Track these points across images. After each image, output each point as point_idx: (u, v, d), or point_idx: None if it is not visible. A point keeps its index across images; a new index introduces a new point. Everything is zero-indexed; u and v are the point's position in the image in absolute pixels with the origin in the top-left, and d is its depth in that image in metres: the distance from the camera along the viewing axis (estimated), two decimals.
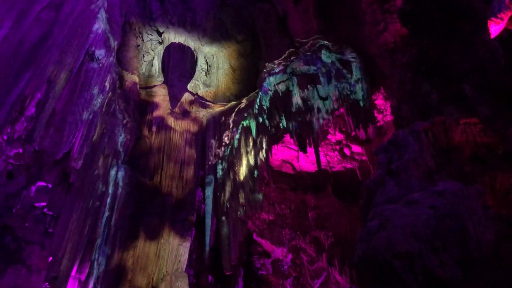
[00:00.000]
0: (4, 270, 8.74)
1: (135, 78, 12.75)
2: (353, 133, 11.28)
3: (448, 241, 4.32)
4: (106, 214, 10.32)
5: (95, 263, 9.78)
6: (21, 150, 8.72)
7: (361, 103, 10.37)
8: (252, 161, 11.80)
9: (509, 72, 5.34)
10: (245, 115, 12.26)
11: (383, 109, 10.78)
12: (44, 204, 9.28)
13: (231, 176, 12.03)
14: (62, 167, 9.44)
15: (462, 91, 6.31)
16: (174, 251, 10.92)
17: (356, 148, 12.00)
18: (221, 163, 12.34)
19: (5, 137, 8.35)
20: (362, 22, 9.64)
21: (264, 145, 11.65)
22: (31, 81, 7.54)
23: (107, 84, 10.32)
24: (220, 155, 12.46)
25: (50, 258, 9.09)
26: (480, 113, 5.68)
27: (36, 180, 9.18)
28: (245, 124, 12.20)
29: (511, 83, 5.46)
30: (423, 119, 6.25)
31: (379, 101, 10.71)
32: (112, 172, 10.72)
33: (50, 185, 9.34)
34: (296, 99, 11.01)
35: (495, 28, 4.36)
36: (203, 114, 13.42)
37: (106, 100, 10.56)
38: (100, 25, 9.71)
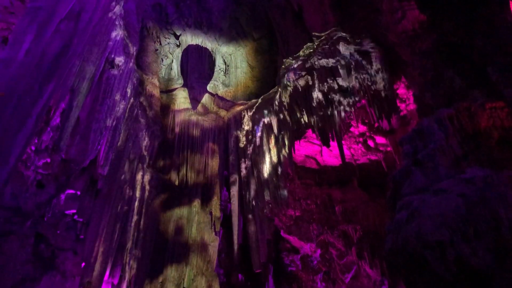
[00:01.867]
0: (40, 277, 8.98)
1: (155, 82, 12.87)
2: (376, 124, 11.16)
3: (479, 229, 4.23)
4: (135, 218, 10.46)
5: (127, 266, 9.93)
6: (49, 160, 8.94)
7: (383, 93, 10.23)
8: (275, 158, 11.79)
9: None
10: (266, 112, 12.25)
11: (406, 98, 10.62)
12: (74, 211, 9.50)
13: (255, 174, 12.04)
14: (89, 174, 9.63)
15: (486, 74, 6.15)
16: (203, 251, 11.00)
17: (380, 139, 11.86)
18: (245, 162, 12.37)
19: (33, 148, 8.56)
20: (379, 11, 9.51)
21: (286, 141, 11.62)
22: (54, 91, 7.68)
23: (128, 90, 10.46)
24: (243, 153, 12.48)
25: (83, 264, 9.29)
26: (507, 96, 5.53)
27: (65, 188, 9.40)
28: (266, 122, 12.19)
29: None
30: (447, 106, 6.12)
31: (401, 90, 10.55)
32: (138, 176, 10.86)
33: (78, 193, 9.55)
34: (316, 93, 10.95)
35: None
36: (224, 113, 13.47)
37: (128, 106, 10.70)
38: (118, 32, 9.84)
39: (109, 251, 9.52)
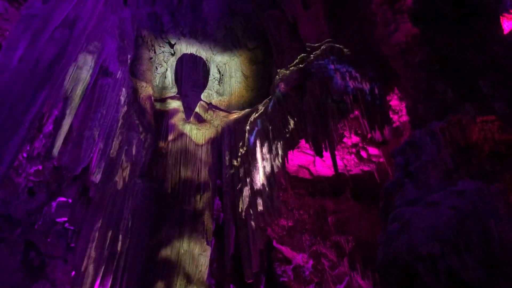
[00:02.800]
0: (29, 286, 8.89)
1: (150, 91, 12.87)
2: (369, 135, 11.20)
3: (470, 241, 4.25)
4: (127, 226, 10.39)
5: (118, 275, 9.85)
6: (40, 167, 8.89)
7: (376, 105, 10.29)
8: (268, 168, 11.78)
9: None
10: (259, 121, 12.27)
11: (399, 109, 10.68)
12: (65, 219, 9.44)
13: (248, 183, 12.03)
14: (82, 182, 9.59)
15: (478, 88, 6.22)
16: (195, 261, 10.94)
17: (373, 150, 11.90)
18: (238, 171, 12.36)
19: (24, 155, 8.52)
20: (373, 23, 9.60)
21: (279, 151, 11.62)
22: (47, 98, 7.67)
23: (122, 98, 10.45)
24: (236, 163, 12.48)
25: (73, 272, 9.21)
26: (498, 110, 5.59)
27: (56, 196, 9.35)
28: (259, 131, 12.21)
29: None
30: (440, 118, 6.16)
31: (394, 101, 10.62)
32: (131, 185, 10.81)
33: (70, 200, 9.49)
34: (310, 104, 10.98)
35: (508, 24, 4.30)
36: (217, 123, 13.48)
37: (122, 114, 10.69)
38: (112, 40, 9.86)
39: (100, 260, 9.44)
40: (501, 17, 4.26)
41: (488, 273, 4.14)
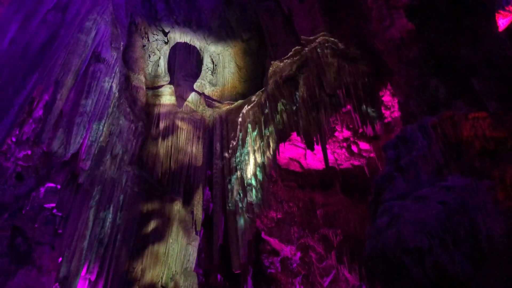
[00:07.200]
0: (15, 271, 8.81)
1: (142, 79, 12.76)
2: (360, 130, 11.25)
3: (458, 236, 4.29)
4: (115, 214, 10.35)
5: (105, 263, 9.82)
6: (29, 152, 8.78)
7: (368, 100, 10.32)
8: (259, 160, 11.79)
9: None
10: (252, 113, 12.25)
11: (391, 105, 10.74)
12: (53, 205, 9.34)
13: (239, 175, 12.02)
14: (71, 168, 9.49)
15: (470, 85, 6.25)
16: (183, 250, 10.94)
17: (364, 145, 11.96)
18: (229, 162, 12.34)
19: (13, 139, 8.41)
20: (368, 19, 9.59)
21: (271, 143, 11.63)
22: (38, 82, 7.58)
23: (113, 84, 10.35)
24: (228, 154, 12.46)
25: (60, 259, 9.15)
26: (489, 107, 5.63)
27: (45, 181, 9.25)
28: (251, 123, 12.19)
29: None
30: (431, 115, 6.20)
31: (386, 97, 10.66)
32: (120, 172, 10.75)
33: (59, 186, 9.40)
34: (303, 97, 10.99)
35: (503, 21, 4.31)
36: (209, 113, 13.42)
37: (113, 101, 10.59)
38: (106, 26, 9.74)
39: (88, 247, 9.40)
40: (496, 14, 4.27)
41: (474, 267, 4.19)
